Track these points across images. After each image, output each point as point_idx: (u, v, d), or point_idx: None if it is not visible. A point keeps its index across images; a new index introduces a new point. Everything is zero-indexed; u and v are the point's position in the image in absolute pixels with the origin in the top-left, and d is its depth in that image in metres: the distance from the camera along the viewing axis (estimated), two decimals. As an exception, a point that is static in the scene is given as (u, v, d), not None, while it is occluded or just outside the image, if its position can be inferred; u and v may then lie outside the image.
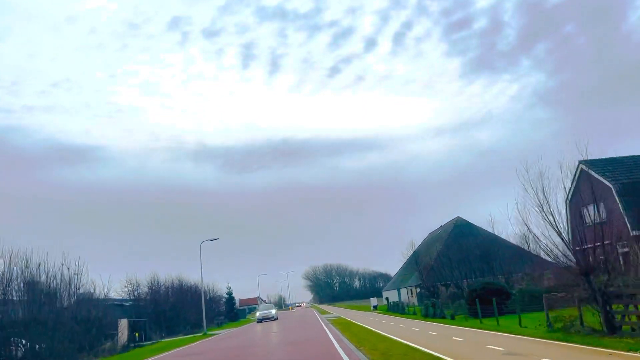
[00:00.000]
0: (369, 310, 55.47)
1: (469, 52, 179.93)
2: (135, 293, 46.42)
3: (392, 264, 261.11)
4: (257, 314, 50.61)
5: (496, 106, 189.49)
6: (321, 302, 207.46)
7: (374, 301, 55.34)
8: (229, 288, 74.70)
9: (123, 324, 40.27)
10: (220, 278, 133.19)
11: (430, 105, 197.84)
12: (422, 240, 77.83)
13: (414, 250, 59.40)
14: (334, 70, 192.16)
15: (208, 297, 70.62)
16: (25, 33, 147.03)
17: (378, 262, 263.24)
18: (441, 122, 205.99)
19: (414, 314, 34.76)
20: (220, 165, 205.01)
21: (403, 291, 63.48)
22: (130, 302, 45.94)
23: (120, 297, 47.29)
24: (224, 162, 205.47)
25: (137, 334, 38.25)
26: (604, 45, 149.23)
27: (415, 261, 51.12)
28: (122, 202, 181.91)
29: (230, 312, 73.71)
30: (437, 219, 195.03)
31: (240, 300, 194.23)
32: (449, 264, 44.26)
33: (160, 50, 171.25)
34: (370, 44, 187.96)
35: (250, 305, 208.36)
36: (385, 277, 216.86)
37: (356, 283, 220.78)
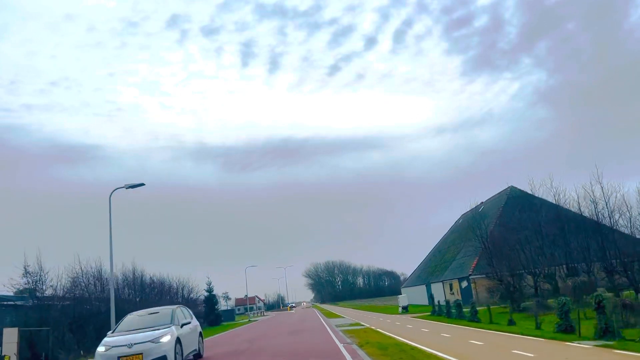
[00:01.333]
0: (395, 313, 38.59)
1: (469, 50, 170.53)
2: (39, 288, 29.39)
3: (397, 262, 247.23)
4: (100, 348, 11.89)
5: (497, 105, 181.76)
6: (323, 302, 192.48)
7: (403, 300, 38.34)
8: (209, 284, 57.76)
9: (10, 335, 23.63)
10: (217, 278, 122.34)
11: (431, 104, 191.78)
12: (453, 224, 61.02)
13: (459, 224, 42.49)
14: (334, 69, 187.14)
15: (180, 296, 53.76)
16: (24, 31, 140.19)
17: (381, 260, 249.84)
18: (442, 121, 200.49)
19: (511, 324, 17.89)
20: (220, 164, 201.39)
21: (436, 287, 46.61)
22: (23, 302, 28.93)
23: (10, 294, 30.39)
24: (224, 161, 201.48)
25: (5, 355, 21.51)
26: (606, 43, 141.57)
27: (480, 239, 33.96)
28: (122, 201, 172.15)
29: (211, 314, 56.76)
30: (439, 216, 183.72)
31: (237, 300, 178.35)
32: (537, 242, 27.38)
33: (160, 49, 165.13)
34: (371, 42, 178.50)
35: (247, 305, 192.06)
36: (391, 275, 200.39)
37: (360, 281, 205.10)
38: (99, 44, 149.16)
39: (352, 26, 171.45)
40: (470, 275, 37.46)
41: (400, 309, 37.69)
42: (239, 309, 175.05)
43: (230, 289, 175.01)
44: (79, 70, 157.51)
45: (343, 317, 40.60)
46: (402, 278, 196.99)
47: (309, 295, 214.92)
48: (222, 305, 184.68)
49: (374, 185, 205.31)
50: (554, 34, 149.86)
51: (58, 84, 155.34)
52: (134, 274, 41.75)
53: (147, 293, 45.76)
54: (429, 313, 30.09)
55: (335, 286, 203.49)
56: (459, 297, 40.19)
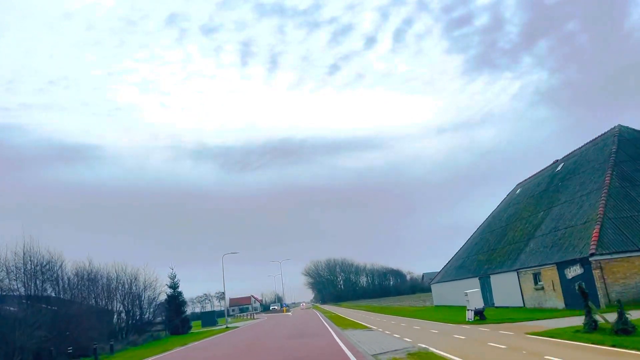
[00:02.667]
0: (458, 321, 22.32)
1: (470, 49, 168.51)
2: None
3: (401, 261, 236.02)
4: None
5: (497, 105, 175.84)
6: (324, 302, 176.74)
7: (475, 299, 21.48)
8: (172, 277, 41.24)
9: None
10: (213, 278, 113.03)
11: (432, 104, 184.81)
12: (506, 196, 44.78)
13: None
14: (334, 68, 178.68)
15: (126, 293, 37.34)
16: (22, 30, 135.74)
17: (384, 259, 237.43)
18: (442, 121, 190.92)
19: None
20: (220, 164, 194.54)
21: (502, 280, 30.40)
22: None
23: None
24: (224, 161, 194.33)
25: None
26: (607, 43, 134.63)
27: None
28: (121, 201, 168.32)
29: (175, 318, 40.33)
30: (441, 215, 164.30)
31: (231, 300, 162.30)
32: None
33: (159, 47, 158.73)
34: (371, 41, 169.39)
35: (242, 305, 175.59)
36: (397, 274, 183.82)
37: (363, 280, 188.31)
38: (98, 43, 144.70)
39: (352, 25, 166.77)
40: (592, 254, 21.19)
41: (470, 315, 21.39)
42: (233, 310, 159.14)
43: (226, 288, 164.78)
44: (77, 69, 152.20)
45: (369, 328, 24.32)
46: (408, 277, 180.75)
47: (309, 294, 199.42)
48: (216, 306, 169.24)
49: (374, 185, 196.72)
50: (555, 33, 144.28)
51: (56, 83, 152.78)
52: (23, 257, 25.35)
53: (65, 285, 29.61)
54: (579, 329, 13.65)
55: (337, 285, 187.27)
56: (555, 292, 24.12)
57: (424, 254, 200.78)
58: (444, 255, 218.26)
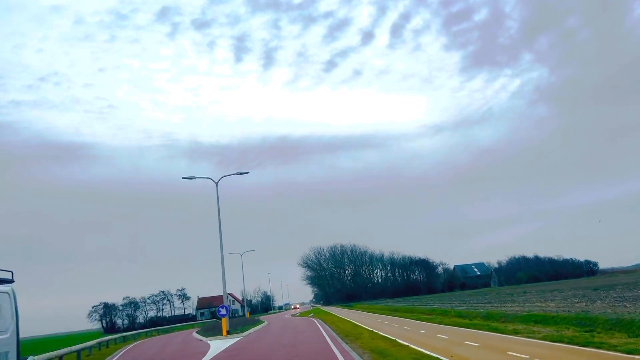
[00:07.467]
0: None
1: (469, 45, 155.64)
2: None
3: (425, 248, 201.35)
4: None
5: (497, 103, 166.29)
6: (327, 303, 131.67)
7: None
8: None
9: None
10: (206, 278, 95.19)
11: (430, 102, 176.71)
12: None
13: None
14: (330, 65, 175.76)
15: None
16: (9, 24, 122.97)
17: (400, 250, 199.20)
18: (441, 120, 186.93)
19: None
20: (215, 163, 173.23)
21: None
22: None
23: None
24: (220, 160, 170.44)
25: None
26: (608, 39, 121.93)
27: None
28: (115, 200, 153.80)
29: None
30: (435, 215, 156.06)
31: (200, 300, 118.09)
32: None
33: (150, 42, 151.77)
34: (367, 36, 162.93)
35: (216, 307, 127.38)
36: (425, 265, 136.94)
37: (379, 274, 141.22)
38: (88, 37, 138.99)
39: (349, 20, 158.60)
40: None
41: None
42: (202, 313, 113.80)
43: (213, 288, 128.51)
44: (67, 65, 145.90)
45: None
46: (440, 268, 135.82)
47: (308, 293, 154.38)
48: (177, 308, 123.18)
49: (372, 184, 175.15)
50: (555, 29, 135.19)
51: (47, 80, 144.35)
52: None
53: None
54: None
55: (344, 281, 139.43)
56: None
57: (440, 246, 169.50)
58: (461, 247, 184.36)
